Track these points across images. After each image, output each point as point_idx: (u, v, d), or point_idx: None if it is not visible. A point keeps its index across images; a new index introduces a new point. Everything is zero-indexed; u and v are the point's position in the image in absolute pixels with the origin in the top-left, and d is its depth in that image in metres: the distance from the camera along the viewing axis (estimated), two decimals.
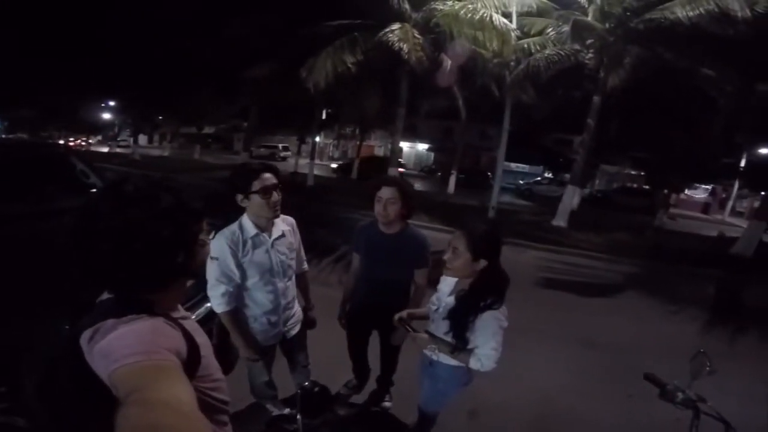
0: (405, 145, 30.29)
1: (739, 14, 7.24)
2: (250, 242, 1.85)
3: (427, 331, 1.80)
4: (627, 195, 21.07)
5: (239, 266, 1.84)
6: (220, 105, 19.72)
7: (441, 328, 1.74)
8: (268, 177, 1.78)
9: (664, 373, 1.54)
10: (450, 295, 1.80)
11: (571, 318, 4.86)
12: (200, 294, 2.17)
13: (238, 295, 1.89)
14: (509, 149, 12.00)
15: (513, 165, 26.66)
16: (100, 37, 15.65)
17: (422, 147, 32.68)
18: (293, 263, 2.07)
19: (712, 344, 4.44)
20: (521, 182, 25.17)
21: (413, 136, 29.80)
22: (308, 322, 2.27)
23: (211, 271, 1.82)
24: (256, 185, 1.76)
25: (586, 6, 9.11)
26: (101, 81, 17.71)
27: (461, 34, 9.13)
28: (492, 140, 27.01)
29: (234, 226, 1.86)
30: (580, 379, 3.45)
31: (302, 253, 2.20)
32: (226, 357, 2.12)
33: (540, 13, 9.72)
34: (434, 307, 1.85)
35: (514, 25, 9.35)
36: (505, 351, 1.66)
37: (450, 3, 8.90)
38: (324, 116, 17.88)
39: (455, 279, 1.79)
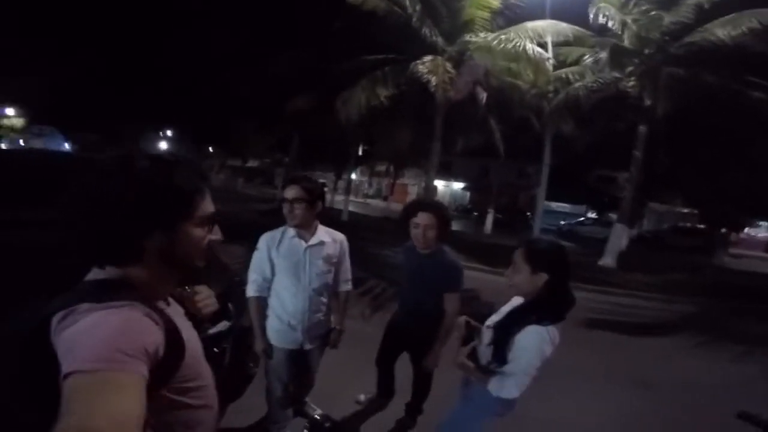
0: (440, 184, 30.27)
1: None
2: (287, 242, 2.03)
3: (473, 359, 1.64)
4: (681, 235, 19.62)
5: (270, 260, 2.03)
6: (263, 138, 20.87)
7: (485, 350, 1.62)
8: (290, 190, 1.97)
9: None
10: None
11: (622, 358, 4.33)
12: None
13: (266, 288, 2.06)
14: (550, 187, 11.63)
15: (554, 204, 25.58)
16: (159, 71, 17.47)
17: (458, 186, 32.50)
18: (329, 276, 2.10)
19: None
20: (563, 223, 24.02)
21: (448, 174, 29.76)
22: (331, 341, 2.23)
23: (253, 260, 2.07)
24: (284, 195, 2.01)
25: (621, 32, 8.91)
26: (159, 112, 19.53)
27: (495, 65, 9.22)
28: (530, 178, 26.39)
29: (281, 228, 2.06)
30: (634, 420, 2.98)
31: (347, 272, 2.22)
32: (236, 379, 2.15)
33: (575, 41, 9.62)
34: (488, 324, 1.70)
35: (549, 54, 9.27)
36: (551, 391, 1.41)
37: (483, 35, 9.04)
38: (360, 152, 18.42)
39: (519, 299, 1.69)
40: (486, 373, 1.55)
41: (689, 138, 10.78)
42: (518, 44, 8.40)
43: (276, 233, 2.05)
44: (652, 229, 22.27)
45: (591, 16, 8.53)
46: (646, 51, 9.02)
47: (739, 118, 9.05)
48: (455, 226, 19.19)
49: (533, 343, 1.46)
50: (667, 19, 8.32)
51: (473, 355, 1.62)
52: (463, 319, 1.70)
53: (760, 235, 22.72)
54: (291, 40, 13.11)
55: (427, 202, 2.35)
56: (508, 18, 9.28)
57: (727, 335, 5.50)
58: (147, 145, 28.27)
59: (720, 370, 4.23)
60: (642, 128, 10.04)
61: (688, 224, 21.47)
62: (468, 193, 31.85)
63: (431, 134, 11.01)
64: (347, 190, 16.77)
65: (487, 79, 9.87)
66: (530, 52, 8.54)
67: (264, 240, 2.05)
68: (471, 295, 5.31)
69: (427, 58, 8.69)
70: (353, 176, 22.33)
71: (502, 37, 8.53)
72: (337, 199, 20.39)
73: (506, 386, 1.48)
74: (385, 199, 30.53)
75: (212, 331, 2.07)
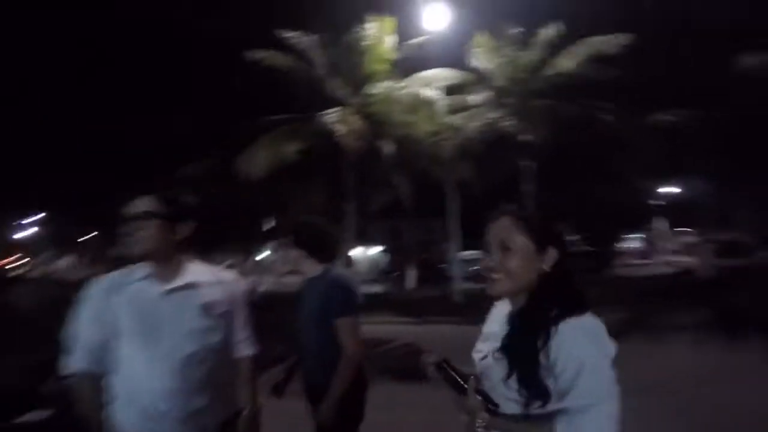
0: (358, 251, 30.11)
1: (610, 52, 8.69)
2: (133, 287, 1.36)
3: (488, 408, 1.00)
4: (576, 258, 22.03)
5: (108, 317, 1.33)
6: None
7: (498, 385, 1.00)
8: (134, 204, 1.34)
9: None
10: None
11: None
12: None
13: (100, 359, 1.34)
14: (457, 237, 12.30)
15: (465, 253, 27.21)
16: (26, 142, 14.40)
17: (373, 251, 32.70)
18: (211, 337, 1.39)
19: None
20: (475, 268, 25.43)
21: (364, 240, 29.98)
22: (239, 429, 1.47)
23: (78, 318, 1.37)
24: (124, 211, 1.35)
25: (492, 76, 10.50)
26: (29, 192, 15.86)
27: (395, 118, 9.87)
28: (436, 233, 28.07)
29: (126, 269, 1.41)
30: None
31: (245, 329, 1.55)
32: None
33: (461, 87, 10.95)
34: (481, 355, 1.11)
35: (442, 100, 10.23)
36: None
37: (384, 84, 9.73)
38: (266, 227, 17.34)
39: (505, 305, 1.11)
40: (527, 411, 0.94)
41: (566, 168, 12.66)
42: (412, 91, 9.19)
43: (117, 275, 1.39)
44: None
45: (469, 59, 9.92)
46: (514, 89, 10.64)
47: (599, 141, 10.93)
48: (379, 289, 19.07)
49: (591, 345, 0.93)
50: (525, 58, 10.10)
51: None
52: (433, 358, 1.09)
53: (633, 245, 26.90)
54: (182, 101, 12.40)
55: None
56: (405, 69, 10.25)
57: (658, 331, 6.09)
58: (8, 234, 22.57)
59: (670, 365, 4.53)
60: (525, 163, 11.50)
61: (580, 248, 24.61)
62: (385, 255, 32.17)
63: (343, 194, 10.96)
64: (254, 268, 15.37)
65: (388, 131, 10.47)
66: (426, 96, 9.37)
67: (99, 287, 1.37)
68: (414, 350, 5.34)
69: (334, 109, 8.90)
70: (266, 253, 20.87)
71: (399, 86, 9.28)
72: (248, 281, 18.67)
73: (580, 427, 0.88)
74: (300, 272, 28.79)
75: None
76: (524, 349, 0.97)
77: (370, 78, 10.22)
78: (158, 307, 1.33)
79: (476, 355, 1.13)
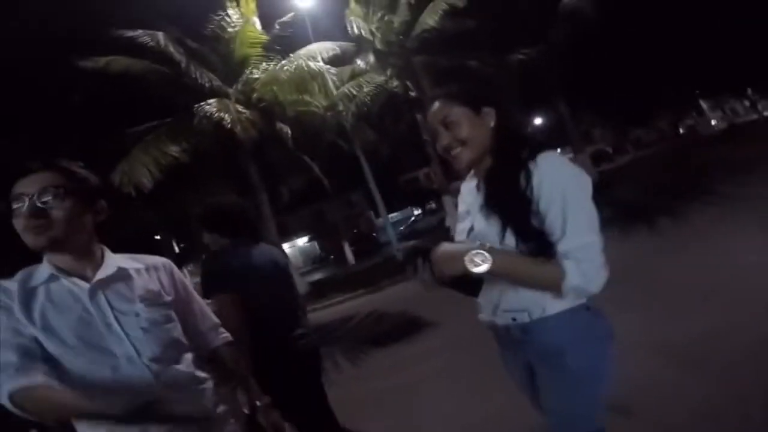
0: (284, 248, 29.14)
1: (460, 5, 9.52)
2: (41, 293, 1.02)
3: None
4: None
5: (29, 331, 0.98)
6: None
7: (485, 232, 1.05)
8: (29, 179, 1.00)
9: None
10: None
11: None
12: None
13: (39, 371, 0.96)
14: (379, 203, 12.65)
15: (391, 216, 28.21)
16: None
17: (302, 241, 31.99)
18: (171, 329, 1.14)
19: None
20: (402, 229, 26.58)
21: (287, 234, 29.06)
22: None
23: None
24: (13, 191, 1.00)
25: (373, 39, 10.78)
26: None
27: (286, 98, 9.54)
28: (357, 205, 28.40)
29: (27, 270, 1.05)
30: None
31: (210, 315, 1.33)
32: None
33: (343, 57, 10.99)
34: (464, 233, 1.11)
35: (332, 71, 10.07)
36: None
37: (264, 66, 9.27)
38: (177, 248, 15.82)
39: (472, 183, 1.15)
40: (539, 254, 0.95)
41: None
42: (301, 65, 8.95)
43: (23, 277, 1.04)
44: None
45: (348, 28, 9.94)
46: (393, 51, 11.05)
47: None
48: (321, 275, 18.98)
49: (568, 175, 0.96)
50: (396, 20, 10.48)
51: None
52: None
53: None
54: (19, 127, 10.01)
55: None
56: (279, 51, 9.83)
57: None
58: None
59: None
60: (419, 117, 12.14)
61: None
62: (315, 243, 31.75)
63: (250, 189, 10.38)
64: None
65: (284, 113, 10.13)
66: (315, 68, 9.20)
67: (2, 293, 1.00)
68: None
69: (212, 100, 8.26)
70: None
71: (285, 65, 8.95)
72: None
73: (584, 266, 0.91)
74: None
75: None
76: (510, 196, 0.98)
77: (244, 64, 9.63)
78: (90, 308, 1.03)
79: (460, 236, 1.13)
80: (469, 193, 1.15)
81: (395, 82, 11.30)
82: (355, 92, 10.66)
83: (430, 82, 10.77)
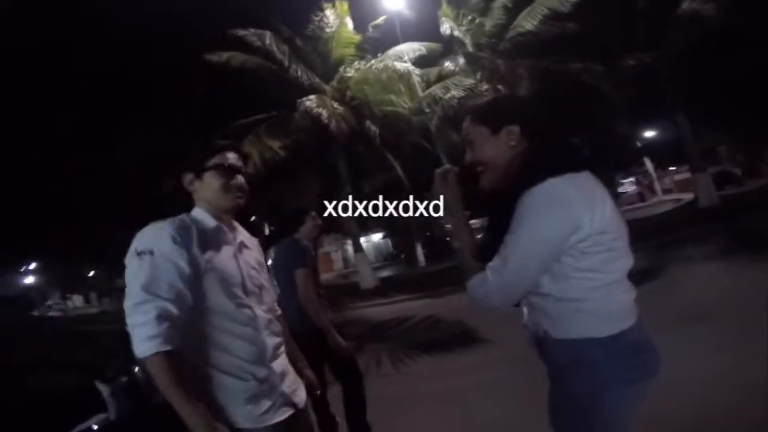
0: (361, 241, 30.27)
1: (563, 9, 9.00)
2: (210, 236, 1.19)
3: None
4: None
5: (190, 273, 1.08)
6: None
7: None
8: (233, 156, 1.26)
9: None
10: None
11: None
12: None
13: (184, 329, 1.05)
14: None
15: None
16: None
17: (376, 237, 32.93)
18: (271, 291, 1.37)
19: None
20: (478, 237, 25.71)
21: (365, 228, 30.17)
22: (309, 385, 1.43)
23: (136, 277, 1.04)
24: (215, 161, 1.23)
25: (463, 42, 10.65)
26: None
27: (375, 98, 9.97)
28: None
29: (181, 216, 1.20)
30: None
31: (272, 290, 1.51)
32: None
33: (430, 58, 11.05)
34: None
35: (417, 71, 10.31)
36: None
37: (357, 65, 9.80)
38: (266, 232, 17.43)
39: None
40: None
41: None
42: (389, 65, 9.29)
43: (183, 223, 1.16)
44: None
45: (441, 28, 10.02)
46: (483, 54, 10.81)
47: (574, 93, 11.13)
48: (389, 272, 19.41)
49: (534, 210, 0.94)
50: (488, 23, 10.23)
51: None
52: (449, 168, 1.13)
53: (628, 191, 27.02)
54: (148, 117, 11.85)
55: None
56: (374, 49, 10.39)
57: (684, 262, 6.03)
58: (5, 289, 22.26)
59: None
60: None
61: None
62: (389, 240, 32.41)
63: (337, 184, 11.04)
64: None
65: (372, 112, 10.60)
66: (401, 68, 9.48)
67: (165, 234, 1.09)
68: None
69: (312, 96, 9.00)
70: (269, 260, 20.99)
71: (374, 64, 9.38)
72: None
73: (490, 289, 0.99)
74: None
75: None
76: (492, 222, 1.07)
77: (339, 63, 10.29)
78: (236, 262, 1.23)
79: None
80: None
81: (485, 86, 11.03)
82: (441, 95, 10.69)
83: (521, 88, 10.31)
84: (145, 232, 1.12)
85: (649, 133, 19.23)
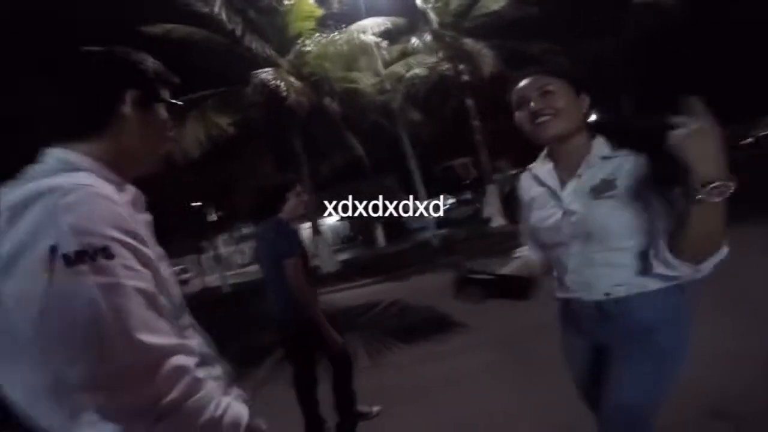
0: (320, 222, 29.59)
1: None
2: None
3: None
4: None
5: None
6: None
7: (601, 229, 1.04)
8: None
9: None
10: (567, 186, 1.09)
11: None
12: None
13: None
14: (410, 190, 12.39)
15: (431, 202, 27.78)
16: None
17: (333, 219, 32.33)
18: None
19: None
20: (435, 217, 26.16)
21: (321, 210, 29.48)
22: None
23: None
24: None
25: (428, 20, 10.32)
26: None
27: (334, 74, 9.32)
28: (390, 188, 28.20)
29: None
30: None
31: None
32: None
33: (394, 34, 10.58)
34: (555, 215, 1.11)
35: (383, 44, 9.80)
36: None
37: (317, 39, 9.09)
38: (215, 216, 16.29)
39: (547, 168, 1.14)
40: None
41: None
42: (352, 38, 8.69)
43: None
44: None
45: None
46: (447, 32, 10.56)
47: None
48: (348, 255, 19.17)
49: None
50: (454, 2, 9.98)
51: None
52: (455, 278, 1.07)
53: None
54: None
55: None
56: (332, 26, 9.61)
57: None
58: None
59: None
60: (469, 101, 11.60)
61: None
62: (347, 223, 31.96)
63: (293, 163, 10.37)
64: (217, 258, 14.66)
65: (332, 89, 9.93)
66: (366, 40, 8.91)
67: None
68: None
69: (267, 69, 8.19)
70: (219, 250, 19.93)
71: (336, 37, 8.72)
72: (207, 279, 17.98)
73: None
74: None
75: None
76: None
77: (298, 37, 9.48)
78: None
79: (546, 223, 1.12)
80: (549, 176, 1.13)
81: (446, 65, 10.79)
82: (404, 71, 10.28)
83: (484, 67, 10.21)
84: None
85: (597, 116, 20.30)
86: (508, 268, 1.21)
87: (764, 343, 2.35)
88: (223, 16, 8.70)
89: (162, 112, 0.79)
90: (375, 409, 2.62)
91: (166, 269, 0.69)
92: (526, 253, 1.26)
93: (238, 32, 8.79)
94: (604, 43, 10.62)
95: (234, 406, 0.67)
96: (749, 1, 13.16)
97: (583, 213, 1.03)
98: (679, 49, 10.94)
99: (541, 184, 1.15)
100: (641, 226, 0.99)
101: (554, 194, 1.11)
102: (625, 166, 1.01)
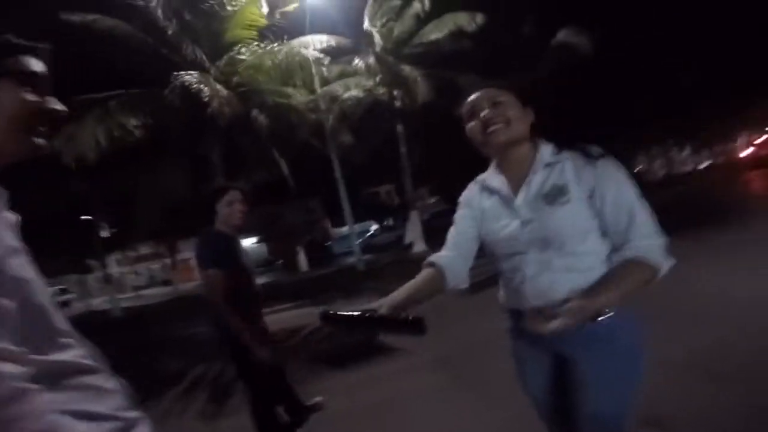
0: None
1: (468, 28, 9.74)
2: None
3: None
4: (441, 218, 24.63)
5: None
6: None
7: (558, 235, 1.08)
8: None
9: None
10: (518, 195, 1.12)
11: None
12: None
13: None
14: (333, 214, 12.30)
15: (344, 229, 27.51)
16: None
17: (250, 242, 30.15)
18: None
19: None
20: (358, 242, 26.12)
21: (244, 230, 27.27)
22: None
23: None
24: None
25: (373, 42, 10.54)
26: None
27: (269, 86, 8.78)
28: (313, 211, 27.55)
29: None
30: None
31: None
32: None
33: (335, 55, 10.51)
34: (512, 225, 1.11)
35: (319, 55, 9.52)
36: None
37: (253, 49, 8.51)
38: (108, 234, 13.95)
39: (500, 179, 1.16)
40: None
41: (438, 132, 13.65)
42: (292, 51, 8.34)
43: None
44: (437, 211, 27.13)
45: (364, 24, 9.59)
46: (387, 58, 10.88)
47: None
48: (267, 279, 17.95)
49: (624, 179, 1.07)
50: (397, 29, 10.33)
51: None
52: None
53: None
54: None
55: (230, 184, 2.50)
56: (270, 38, 9.11)
57: None
58: None
59: None
60: (399, 128, 11.98)
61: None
62: (264, 245, 30.02)
63: (208, 176, 9.40)
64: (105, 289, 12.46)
65: (263, 102, 9.32)
66: (306, 55, 8.60)
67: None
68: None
69: (192, 72, 7.36)
70: (111, 270, 17.04)
71: (275, 48, 8.28)
72: (95, 302, 15.23)
73: (654, 251, 1.01)
74: (166, 283, 24.83)
75: None
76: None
77: (234, 44, 8.82)
78: None
79: (502, 233, 1.12)
80: (502, 186, 1.14)
81: (382, 89, 11.05)
82: (341, 92, 10.23)
83: (416, 95, 10.67)
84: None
85: None
86: (391, 300, 1.01)
87: (692, 348, 2.56)
88: (159, 13, 7.82)
89: (22, 93, 0.67)
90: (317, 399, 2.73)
91: (18, 267, 0.62)
92: (417, 277, 1.14)
93: (170, 31, 7.91)
94: (524, 77, 11.92)
95: (73, 426, 0.60)
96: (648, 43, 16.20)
97: (540, 220, 1.05)
98: (581, 83, 12.64)
99: (493, 194, 1.16)
100: (597, 228, 1.04)
101: (508, 204, 1.12)
102: (568, 169, 1.06)
